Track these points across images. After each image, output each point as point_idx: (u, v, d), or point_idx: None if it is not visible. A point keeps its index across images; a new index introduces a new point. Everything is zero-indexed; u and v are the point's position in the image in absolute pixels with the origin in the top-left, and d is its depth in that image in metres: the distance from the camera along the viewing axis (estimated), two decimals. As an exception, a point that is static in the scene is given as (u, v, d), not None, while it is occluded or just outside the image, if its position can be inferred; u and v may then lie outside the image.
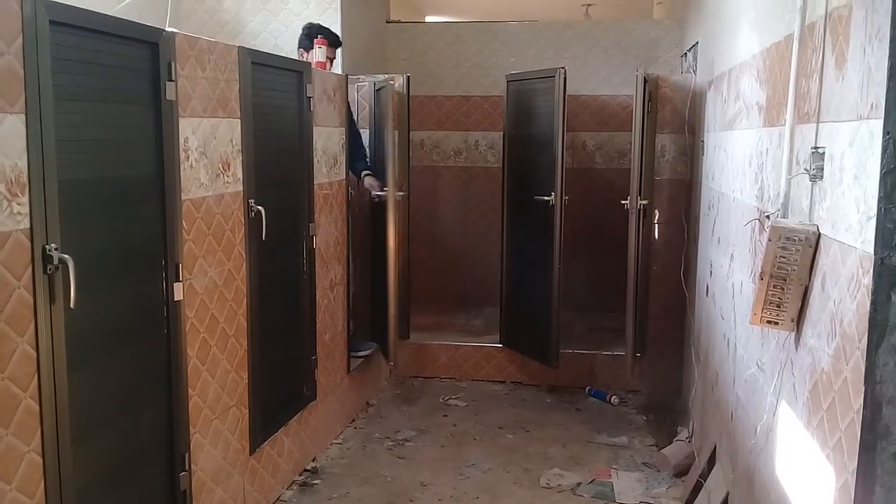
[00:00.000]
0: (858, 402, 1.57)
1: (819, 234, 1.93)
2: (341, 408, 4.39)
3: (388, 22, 6.18)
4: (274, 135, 3.42)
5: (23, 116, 1.93)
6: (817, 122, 1.97)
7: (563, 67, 4.67)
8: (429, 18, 9.03)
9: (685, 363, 4.56)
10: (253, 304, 3.19)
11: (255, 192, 3.16)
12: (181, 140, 2.66)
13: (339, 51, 4.64)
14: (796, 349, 2.09)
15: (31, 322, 1.99)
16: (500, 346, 5.29)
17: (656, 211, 4.88)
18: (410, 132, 5.19)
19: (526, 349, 5.09)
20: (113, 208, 2.36)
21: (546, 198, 4.70)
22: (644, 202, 4.60)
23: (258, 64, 3.21)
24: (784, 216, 2.21)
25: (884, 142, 1.48)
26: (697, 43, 4.78)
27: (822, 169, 1.91)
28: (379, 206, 4.58)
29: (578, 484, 3.81)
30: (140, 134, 2.48)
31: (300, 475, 3.83)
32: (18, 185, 1.93)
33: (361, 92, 4.96)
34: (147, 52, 2.48)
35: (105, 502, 2.36)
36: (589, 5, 8.17)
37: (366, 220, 4.87)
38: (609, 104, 5.77)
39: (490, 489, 3.78)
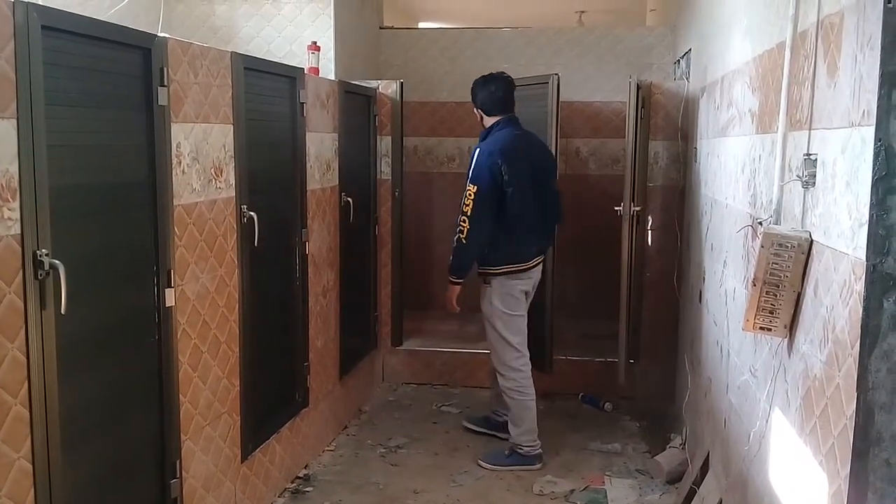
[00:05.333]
0: (851, 408, 1.57)
1: (811, 241, 1.94)
2: (333, 415, 4.38)
3: (381, 28, 6.19)
4: (267, 140, 3.42)
5: (14, 121, 1.92)
6: (809, 129, 1.98)
7: (556, 74, 4.68)
8: (422, 25, 9.05)
9: (678, 370, 4.56)
10: (245, 310, 3.18)
11: (247, 198, 3.15)
12: (173, 145, 2.65)
13: (329, 56, 4.66)
14: (789, 355, 2.10)
15: (22, 328, 1.98)
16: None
17: (649, 217, 4.88)
18: (404, 138, 5.21)
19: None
20: (104, 214, 2.35)
21: None
22: (637, 208, 4.60)
23: (251, 69, 3.20)
24: (776, 223, 2.22)
25: (875, 148, 1.48)
26: (690, 50, 4.80)
27: (815, 176, 1.92)
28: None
29: (572, 491, 3.80)
30: (132, 139, 2.47)
31: (292, 482, 3.81)
32: (9, 191, 1.92)
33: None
34: (139, 57, 2.48)
35: (95, 510, 2.34)
36: (582, 12, 8.19)
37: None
38: (602, 111, 5.78)
39: (483, 496, 3.77)
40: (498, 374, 4.13)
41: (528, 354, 4.12)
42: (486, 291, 4.06)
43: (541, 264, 4.17)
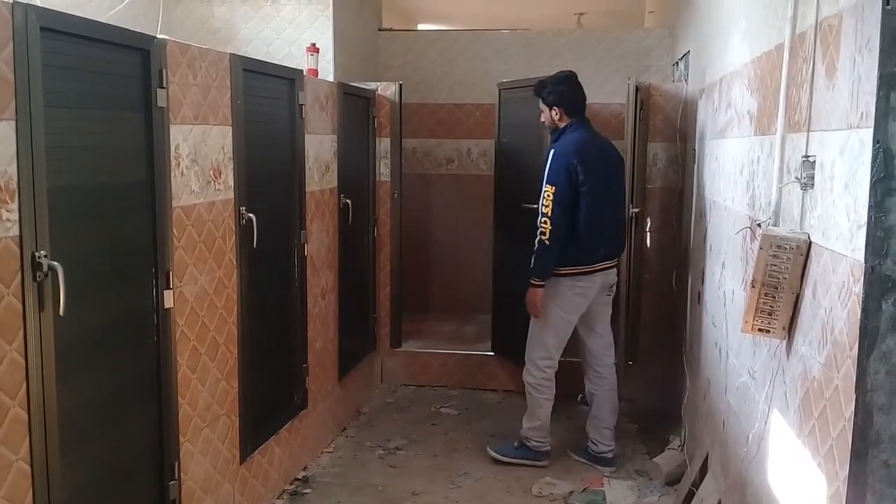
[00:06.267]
0: (850, 410, 1.57)
1: (810, 243, 1.94)
2: (332, 416, 4.37)
3: (380, 30, 6.19)
4: (266, 142, 3.42)
5: (13, 123, 1.92)
6: (808, 131, 1.98)
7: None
8: (421, 27, 9.05)
9: (677, 371, 4.56)
10: (243, 311, 3.18)
11: (246, 200, 3.15)
12: (172, 147, 2.65)
13: (328, 58, 4.66)
14: (788, 357, 2.10)
15: (20, 330, 1.98)
16: (492, 353, 5.29)
17: (648, 219, 4.89)
18: (402, 140, 5.21)
19: (517, 356, 5.07)
20: (103, 215, 2.35)
21: (537, 206, 4.69)
22: (636, 210, 4.61)
23: (250, 71, 3.20)
24: (775, 224, 2.22)
25: (874, 151, 1.48)
26: (689, 52, 4.81)
27: (813, 177, 1.92)
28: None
29: (571, 492, 3.80)
30: (131, 141, 2.47)
31: (291, 484, 3.81)
32: (8, 192, 1.92)
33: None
34: (138, 58, 2.48)
35: (94, 512, 2.34)
36: (581, 14, 8.20)
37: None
38: (601, 112, 5.77)
39: (482, 498, 3.77)
40: (524, 369, 4.16)
41: (557, 358, 4.09)
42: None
43: (613, 269, 4.10)
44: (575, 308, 4.01)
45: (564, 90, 4.02)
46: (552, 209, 3.85)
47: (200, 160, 2.84)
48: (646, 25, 7.70)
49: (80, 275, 2.17)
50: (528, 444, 4.12)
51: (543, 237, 3.86)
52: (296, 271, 3.75)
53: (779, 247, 1.99)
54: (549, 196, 3.85)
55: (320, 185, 4.04)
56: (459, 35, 6.26)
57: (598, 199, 3.91)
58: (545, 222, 3.86)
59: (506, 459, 4.11)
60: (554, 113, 4.03)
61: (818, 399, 1.81)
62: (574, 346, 4.18)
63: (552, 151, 3.94)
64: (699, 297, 3.82)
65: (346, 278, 4.44)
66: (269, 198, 3.44)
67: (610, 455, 4.11)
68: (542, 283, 3.94)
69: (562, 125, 4.03)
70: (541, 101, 4.09)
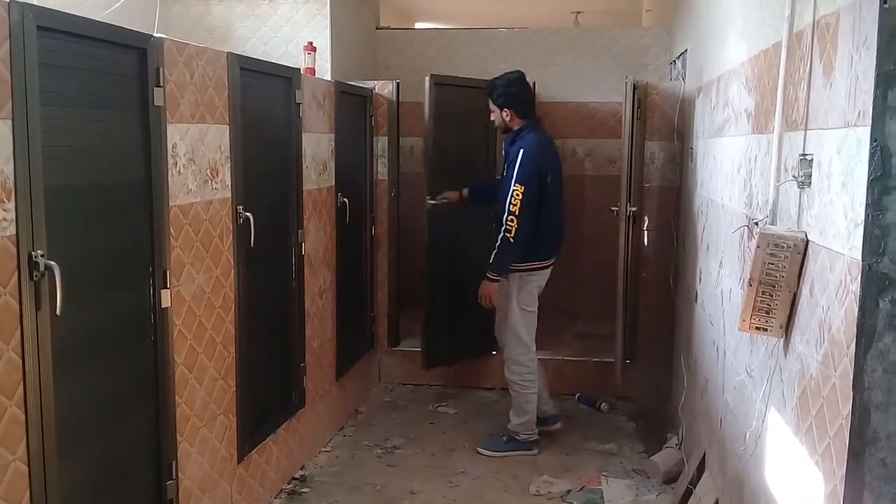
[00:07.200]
0: (847, 408, 1.57)
1: (807, 241, 1.94)
2: (330, 415, 4.37)
3: (377, 28, 6.18)
4: (263, 141, 3.41)
5: (9, 122, 1.92)
6: (805, 130, 1.98)
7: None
8: (418, 25, 9.04)
9: (675, 370, 4.57)
10: (241, 311, 3.17)
11: (243, 199, 3.15)
12: (169, 146, 2.64)
13: (325, 56, 4.64)
14: (785, 355, 2.10)
15: (17, 329, 1.97)
16: (494, 353, 5.28)
17: (646, 217, 4.89)
18: (400, 138, 5.20)
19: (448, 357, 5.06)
20: (100, 214, 2.35)
21: (437, 202, 4.78)
22: (634, 209, 4.61)
23: (247, 70, 3.20)
24: (772, 223, 2.22)
25: (871, 149, 1.49)
26: (686, 50, 4.81)
27: (810, 176, 1.92)
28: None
29: (568, 491, 3.80)
30: (128, 140, 2.47)
31: (288, 483, 3.81)
32: (4, 191, 1.92)
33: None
34: (135, 57, 2.47)
35: (91, 511, 2.34)
36: (578, 13, 8.19)
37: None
38: (598, 111, 5.78)
39: (479, 496, 3.77)
40: (505, 367, 4.25)
41: (533, 349, 4.23)
42: (503, 286, 4.12)
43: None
44: (534, 300, 4.19)
45: (514, 92, 4.11)
46: (520, 208, 3.93)
47: (197, 159, 2.84)
48: (643, 24, 7.70)
49: (76, 274, 2.16)
50: (517, 437, 4.22)
51: (509, 235, 3.95)
52: (293, 270, 3.74)
53: (776, 245, 2.00)
54: (518, 195, 3.93)
55: (317, 183, 4.04)
56: (457, 34, 6.25)
57: (557, 198, 4.10)
58: (511, 221, 3.94)
59: (498, 455, 4.19)
60: (505, 114, 4.11)
61: (815, 397, 1.81)
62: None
63: (521, 151, 3.99)
64: (696, 296, 3.82)
65: (343, 277, 4.44)
66: (266, 197, 3.43)
67: (555, 411, 4.39)
68: (499, 277, 4.08)
69: (514, 126, 4.12)
70: (490, 101, 4.16)
